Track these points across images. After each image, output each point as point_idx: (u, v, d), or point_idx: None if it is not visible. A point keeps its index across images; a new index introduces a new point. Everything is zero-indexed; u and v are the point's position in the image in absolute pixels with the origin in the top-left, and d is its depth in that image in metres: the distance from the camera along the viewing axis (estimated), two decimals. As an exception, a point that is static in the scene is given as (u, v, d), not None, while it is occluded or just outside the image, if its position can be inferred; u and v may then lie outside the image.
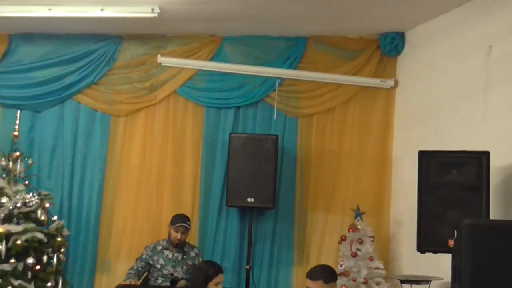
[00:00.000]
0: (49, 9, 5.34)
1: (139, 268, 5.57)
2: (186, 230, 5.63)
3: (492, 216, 4.51)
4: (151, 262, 5.59)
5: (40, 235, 5.24)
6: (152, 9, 5.37)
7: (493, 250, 3.82)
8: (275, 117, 6.18)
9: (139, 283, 5.42)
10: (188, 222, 5.65)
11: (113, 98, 6.15)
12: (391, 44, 6.16)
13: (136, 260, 5.63)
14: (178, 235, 5.59)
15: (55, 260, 5.30)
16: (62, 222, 5.61)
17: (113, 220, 6.05)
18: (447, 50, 5.51)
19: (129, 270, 5.58)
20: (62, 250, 5.44)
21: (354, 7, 5.43)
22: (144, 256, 5.61)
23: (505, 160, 4.63)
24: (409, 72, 6.13)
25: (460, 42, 5.35)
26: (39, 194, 5.50)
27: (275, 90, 6.19)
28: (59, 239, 5.38)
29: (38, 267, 5.22)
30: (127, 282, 5.39)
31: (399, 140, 6.17)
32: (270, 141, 5.86)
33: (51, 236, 5.34)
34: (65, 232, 5.57)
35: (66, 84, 6.08)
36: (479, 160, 4.51)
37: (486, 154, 4.52)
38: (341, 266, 5.56)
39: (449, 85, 5.46)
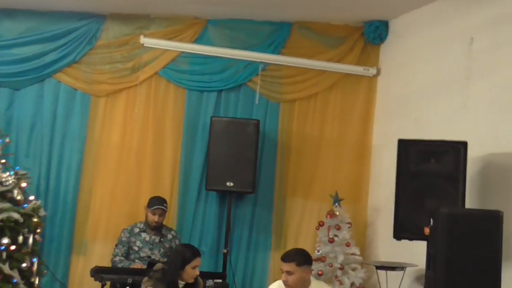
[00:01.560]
0: (31, -14, 5.27)
1: (123, 254, 5.54)
2: (163, 213, 5.62)
3: (468, 205, 4.55)
4: (130, 244, 5.57)
5: (16, 215, 5.16)
6: (136, -11, 5.31)
7: (468, 239, 3.86)
8: (257, 102, 6.16)
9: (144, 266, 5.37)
10: (165, 204, 5.64)
11: (94, 78, 6.10)
12: (375, 33, 6.16)
13: (117, 245, 5.59)
14: (155, 218, 5.57)
15: (30, 240, 5.23)
16: (39, 202, 5.54)
17: (91, 201, 6.01)
18: (430, 41, 5.52)
19: (115, 257, 5.51)
20: (38, 230, 5.37)
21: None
22: (124, 239, 5.59)
23: (482, 150, 4.67)
24: (391, 60, 6.14)
25: (443, 33, 5.36)
26: (16, 174, 5.43)
27: (258, 74, 6.17)
28: (35, 219, 5.31)
29: (13, 247, 5.15)
30: (137, 266, 5.34)
31: (379, 128, 6.20)
32: (251, 125, 5.85)
33: (27, 216, 5.28)
34: (42, 212, 5.51)
35: (46, 62, 6.01)
36: (457, 150, 4.54)
37: (464, 144, 4.54)
38: (318, 251, 5.59)
39: (430, 75, 5.48)
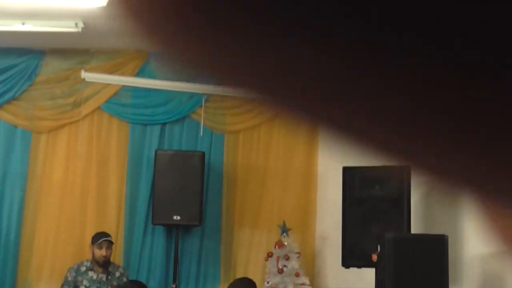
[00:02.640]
0: (-33, 22, 5.17)
1: None
2: (110, 245, 5.51)
3: (413, 230, 4.62)
4: (76, 283, 5.43)
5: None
6: (76, 24, 5.26)
7: (415, 264, 3.92)
8: (201, 134, 6.15)
9: None
10: (110, 237, 5.54)
11: (35, 114, 5.99)
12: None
13: (62, 285, 5.44)
14: (103, 252, 5.45)
15: (-29, 283, 5.07)
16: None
17: (34, 240, 5.85)
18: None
19: None
20: (-21, 272, 5.22)
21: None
22: (69, 279, 5.45)
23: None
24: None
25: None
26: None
27: (201, 106, 6.17)
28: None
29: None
30: None
31: (324, 156, 6.25)
32: (196, 157, 5.82)
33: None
34: (-17, 254, 5.36)
35: (-16, 100, 5.89)
36: (400, 175, 4.62)
37: (407, 168, 4.60)
38: (268, 283, 5.56)
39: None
